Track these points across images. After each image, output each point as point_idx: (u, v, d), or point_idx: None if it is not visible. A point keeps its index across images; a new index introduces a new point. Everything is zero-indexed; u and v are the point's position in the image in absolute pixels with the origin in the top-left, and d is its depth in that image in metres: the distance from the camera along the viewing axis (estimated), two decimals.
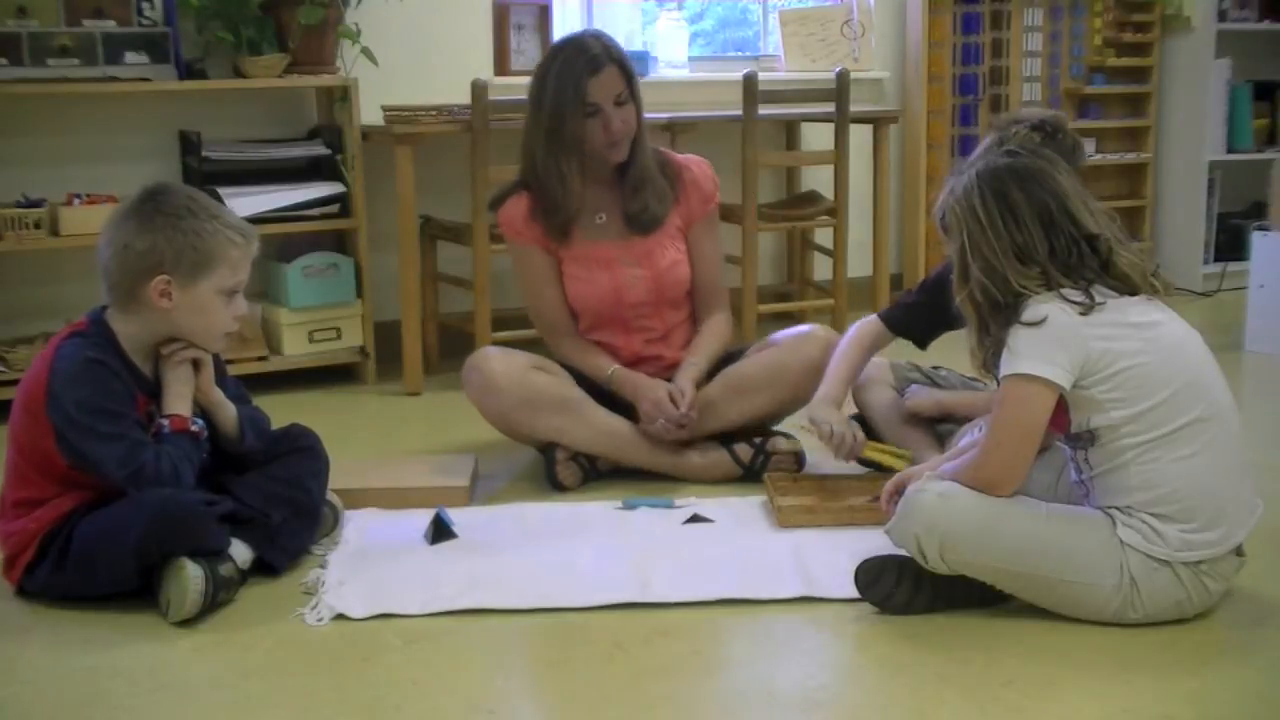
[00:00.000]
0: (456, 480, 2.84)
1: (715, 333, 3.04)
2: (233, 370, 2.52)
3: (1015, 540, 2.06)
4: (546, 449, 2.89)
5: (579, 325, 3.01)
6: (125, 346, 2.28)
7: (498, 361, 2.90)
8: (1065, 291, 2.06)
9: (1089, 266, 2.09)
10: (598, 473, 2.93)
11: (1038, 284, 2.07)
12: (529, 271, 3.00)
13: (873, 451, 2.75)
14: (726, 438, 2.95)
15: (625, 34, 4.70)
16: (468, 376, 2.94)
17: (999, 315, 2.10)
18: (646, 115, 2.94)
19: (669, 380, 2.90)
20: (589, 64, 2.81)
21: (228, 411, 2.39)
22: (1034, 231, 2.08)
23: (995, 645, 2.05)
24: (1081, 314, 2.04)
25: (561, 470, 2.87)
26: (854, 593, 2.18)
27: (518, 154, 2.98)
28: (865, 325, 2.83)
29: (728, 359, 3.02)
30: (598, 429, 2.89)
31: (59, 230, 3.55)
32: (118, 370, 2.24)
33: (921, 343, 2.85)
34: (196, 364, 2.33)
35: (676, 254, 3.00)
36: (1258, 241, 4.30)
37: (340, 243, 3.95)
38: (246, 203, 3.55)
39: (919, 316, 2.78)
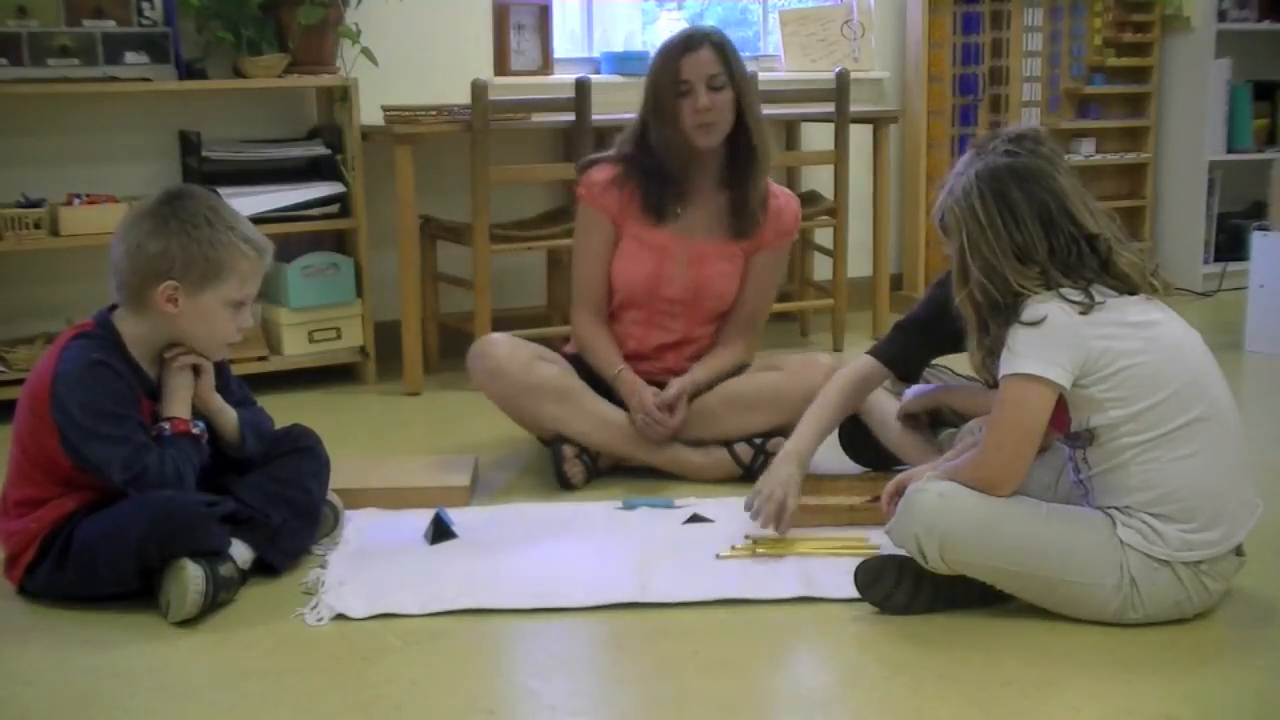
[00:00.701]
0: (456, 480, 2.84)
1: (727, 357, 3.03)
2: (233, 370, 2.52)
3: (1015, 540, 2.06)
4: (554, 445, 2.90)
5: (611, 301, 3.03)
6: (131, 349, 2.28)
7: (503, 347, 2.93)
8: (1065, 291, 2.06)
9: (1088, 266, 2.09)
10: (598, 471, 2.94)
11: (1037, 284, 2.07)
12: (588, 236, 3.03)
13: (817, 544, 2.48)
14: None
15: (625, 34, 4.70)
16: (473, 363, 2.96)
17: (998, 315, 2.10)
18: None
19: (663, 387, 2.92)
20: (685, 42, 2.90)
21: (228, 417, 2.39)
22: (1033, 231, 2.08)
23: (995, 645, 2.05)
24: (1081, 313, 2.04)
25: (570, 468, 2.88)
26: (854, 593, 2.18)
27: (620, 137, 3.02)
28: (854, 366, 2.70)
29: (731, 375, 3.01)
30: (597, 419, 2.91)
31: (59, 230, 3.55)
32: (122, 372, 2.24)
33: (913, 375, 2.74)
34: (197, 369, 2.33)
35: (729, 268, 3.01)
36: (1258, 241, 4.30)
37: (340, 243, 3.95)
38: (246, 203, 3.54)
39: (911, 342, 2.67)
